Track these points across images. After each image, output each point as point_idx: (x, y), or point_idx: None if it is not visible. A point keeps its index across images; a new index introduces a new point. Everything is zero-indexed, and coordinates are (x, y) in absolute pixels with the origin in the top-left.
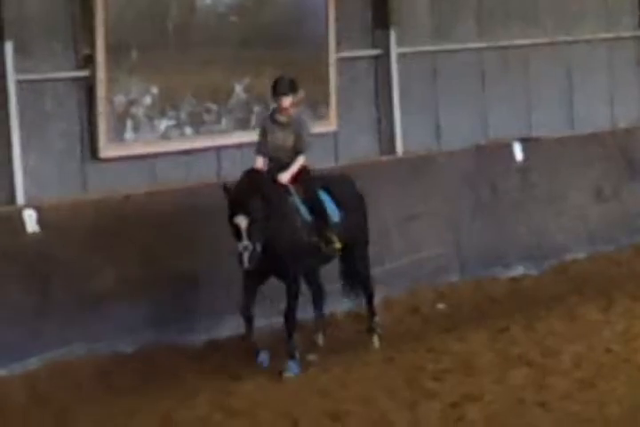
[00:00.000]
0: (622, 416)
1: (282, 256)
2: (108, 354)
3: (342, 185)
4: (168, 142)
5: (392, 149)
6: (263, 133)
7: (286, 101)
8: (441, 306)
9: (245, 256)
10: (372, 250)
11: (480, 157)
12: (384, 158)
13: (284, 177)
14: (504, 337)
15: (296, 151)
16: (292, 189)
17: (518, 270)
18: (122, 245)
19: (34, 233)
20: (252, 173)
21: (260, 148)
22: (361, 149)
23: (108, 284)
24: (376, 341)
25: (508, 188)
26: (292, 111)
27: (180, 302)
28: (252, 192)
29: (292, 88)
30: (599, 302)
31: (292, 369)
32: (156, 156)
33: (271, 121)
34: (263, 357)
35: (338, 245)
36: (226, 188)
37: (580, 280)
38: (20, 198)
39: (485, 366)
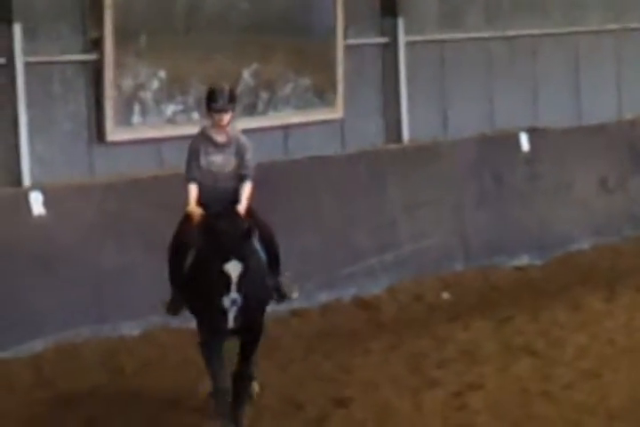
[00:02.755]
0: (625, 407)
1: (253, 309)
2: (115, 337)
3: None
4: (175, 127)
5: (398, 137)
6: (196, 156)
7: (227, 118)
8: (445, 295)
9: (232, 313)
10: (377, 238)
11: (486, 146)
12: (390, 146)
13: (242, 210)
14: (508, 326)
15: (240, 177)
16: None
17: (523, 260)
18: (128, 228)
19: (40, 216)
20: (229, 210)
21: (193, 173)
22: (367, 136)
23: (112, 267)
24: None
25: (514, 178)
26: (230, 129)
27: None
28: (242, 233)
29: (233, 101)
30: (603, 293)
31: None
32: (162, 140)
33: (206, 141)
34: None
35: (295, 294)
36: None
37: (584, 271)
38: (27, 181)
39: (489, 355)
